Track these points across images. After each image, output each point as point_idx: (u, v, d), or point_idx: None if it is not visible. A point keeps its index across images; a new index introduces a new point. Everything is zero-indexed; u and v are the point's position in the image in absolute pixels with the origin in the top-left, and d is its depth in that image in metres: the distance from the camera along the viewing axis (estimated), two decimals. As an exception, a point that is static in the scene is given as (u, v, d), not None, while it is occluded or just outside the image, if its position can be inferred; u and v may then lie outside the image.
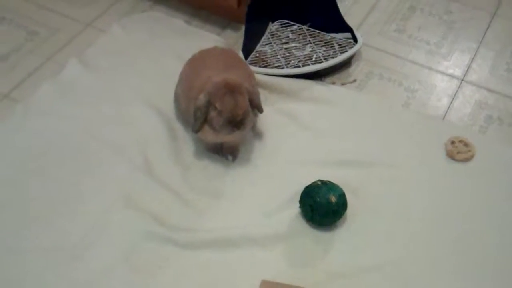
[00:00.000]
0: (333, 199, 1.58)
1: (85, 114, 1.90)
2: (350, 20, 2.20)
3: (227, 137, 1.70)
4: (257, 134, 1.88)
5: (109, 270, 1.54)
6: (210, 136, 1.70)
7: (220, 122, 1.63)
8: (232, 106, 1.61)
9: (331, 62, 2.06)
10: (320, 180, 1.63)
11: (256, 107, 1.72)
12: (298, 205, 1.66)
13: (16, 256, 1.56)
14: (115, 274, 1.53)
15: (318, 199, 1.58)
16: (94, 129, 1.86)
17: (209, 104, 1.63)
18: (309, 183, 1.65)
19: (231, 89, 1.62)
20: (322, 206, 1.57)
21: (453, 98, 2.06)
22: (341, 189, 1.61)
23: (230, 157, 1.80)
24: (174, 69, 1.97)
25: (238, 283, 1.53)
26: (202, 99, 1.64)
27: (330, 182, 1.62)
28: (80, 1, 2.33)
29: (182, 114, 1.86)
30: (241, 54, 2.05)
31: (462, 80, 2.13)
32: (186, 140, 1.86)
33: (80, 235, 1.60)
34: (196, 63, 1.81)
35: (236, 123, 1.63)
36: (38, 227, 1.62)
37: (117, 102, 1.94)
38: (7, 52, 2.13)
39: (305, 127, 1.90)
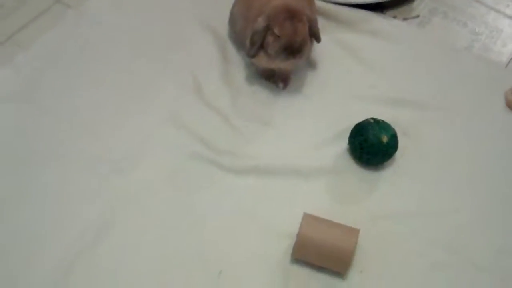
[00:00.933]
0: (385, 139, 1.53)
1: (136, 28, 1.87)
2: (418, -48, 2.09)
3: (282, 64, 1.64)
4: (311, 64, 1.82)
5: (151, 185, 1.54)
6: (264, 62, 1.65)
7: (277, 48, 1.57)
8: (291, 33, 1.55)
9: (395, -6, 1.96)
10: (372, 118, 1.58)
11: (314, 36, 1.66)
12: (346, 141, 1.62)
13: (60, 163, 1.57)
14: (157, 189, 1.53)
15: (369, 137, 1.53)
16: (144, 44, 1.83)
17: (267, 29, 1.57)
18: (359, 119, 1.60)
19: (291, 15, 1.55)
20: (373, 145, 1.53)
21: (519, 45, 1.96)
22: (393, 129, 1.56)
23: (281, 85, 1.75)
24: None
25: (277, 211, 1.51)
26: (260, 22, 1.58)
27: (382, 121, 1.57)
28: None
29: (237, 35, 1.80)
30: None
31: (531, 26, 2.02)
32: (237, 63, 1.82)
33: (125, 149, 1.60)
34: None
35: (293, 50, 1.57)
36: (84, 137, 1.61)
37: (169, 19, 1.90)
38: (61, -46, 2.07)
39: (361, 61, 1.84)
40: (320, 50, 1.83)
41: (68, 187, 1.53)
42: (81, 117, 1.66)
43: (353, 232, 1.38)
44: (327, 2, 1.94)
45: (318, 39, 1.67)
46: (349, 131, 1.60)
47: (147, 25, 1.88)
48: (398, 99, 1.74)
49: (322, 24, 1.83)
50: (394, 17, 1.98)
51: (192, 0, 1.95)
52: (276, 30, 1.55)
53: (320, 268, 1.40)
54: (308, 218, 1.39)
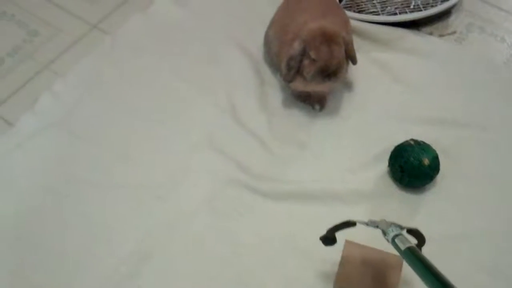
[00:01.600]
0: (426, 161, 1.50)
1: (173, 51, 1.88)
2: (452, -35, 2.05)
3: (318, 87, 1.63)
4: (347, 84, 1.80)
5: (191, 212, 1.54)
6: (300, 85, 1.64)
7: (313, 71, 1.56)
8: (327, 56, 1.54)
9: (430, 11, 1.93)
10: (412, 139, 1.55)
11: (350, 58, 1.64)
12: (386, 163, 1.60)
13: (102, 191, 1.58)
14: (197, 216, 1.53)
15: (410, 159, 1.51)
16: (181, 67, 1.83)
17: (303, 52, 1.56)
18: (398, 140, 1.58)
19: (327, 38, 1.54)
20: (414, 168, 1.50)
21: (559, 59, 1.92)
22: (434, 151, 1.53)
23: (317, 106, 1.74)
24: (265, 10, 1.91)
25: (317, 237, 1.48)
26: (296, 47, 1.57)
27: (423, 142, 1.55)
28: None
29: (272, 57, 1.80)
30: (335, -3, 1.95)
31: None
32: (272, 85, 1.81)
33: (163, 175, 1.60)
34: (292, 6, 1.73)
35: (329, 73, 1.56)
36: (124, 164, 1.63)
37: (206, 42, 1.90)
38: (98, -20, 2.10)
39: (398, 79, 1.81)
40: (356, 70, 1.81)
41: (107, 215, 1.54)
42: (119, 144, 1.67)
43: (398, 262, 1.35)
44: (362, 21, 1.91)
45: (354, 61, 1.65)
46: (389, 153, 1.58)
47: (184, 48, 1.89)
48: (438, 118, 1.71)
49: (357, 43, 1.82)
50: (430, 33, 1.96)
51: (228, 22, 1.95)
52: (312, 54, 1.55)
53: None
54: (350, 246, 1.37)
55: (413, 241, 1.29)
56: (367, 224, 1.31)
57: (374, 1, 1.99)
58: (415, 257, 1.18)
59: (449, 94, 1.78)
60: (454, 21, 2.00)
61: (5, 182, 1.60)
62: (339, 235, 1.36)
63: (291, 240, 1.49)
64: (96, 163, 1.63)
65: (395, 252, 1.33)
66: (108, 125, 1.70)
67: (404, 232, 1.28)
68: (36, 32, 1.95)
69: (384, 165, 1.60)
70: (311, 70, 1.56)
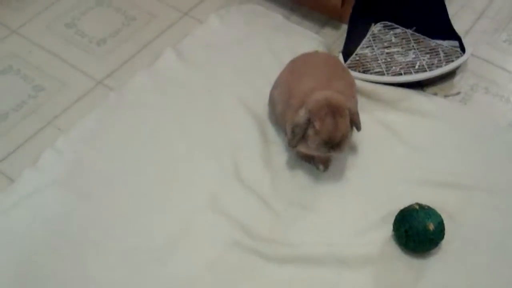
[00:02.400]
0: (431, 226, 1.48)
1: (178, 108, 1.88)
2: (456, 26, 2.06)
3: (321, 154, 1.63)
4: (352, 145, 1.79)
5: (193, 278, 1.51)
6: (304, 149, 1.64)
7: (317, 142, 1.56)
8: (332, 129, 1.54)
9: (435, 72, 1.94)
10: (417, 204, 1.53)
11: (355, 125, 1.64)
12: (391, 226, 1.58)
13: (101, 251, 1.56)
14: (199, 282, 1.50)
15: (414, 224, 1.49)
16: (185, 125, 1.83)
17: (308, 122, 1.56)
18: (404, 203, 1.57)
19: (332, 110, 1.54)
20: (419, 233, 1.48)
21: None
22: (439, 216, 1.51)
23: (321, 167, 1.73)
24: (270, 68, 1.93)
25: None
26: (302, 116, 1.56)
27: (428, 206, 1.53)
28: (179, -13, 2.30)
29: (277, 117, 1.79)
30: (340, 56, 1.96)
31: None
32: (277, 144, 1.80)
33: (165, 237, 1.58)
34: (298, 69, 1.74)
35: (333, 145, 1.56)
36: (124, 225, 1.61)
37: (210, 99, 1.90)
38: (104, 37, 2.12)
39: (403, 140, 1.80)
40: (361, 131, 1.79)
41: (106, 277, 1.51)
42: (120, 203, 1.65)
43: None
44: (367, 81, 1.92)
45: (358, 128, 1.65)
46: (394, 216, 1.56)
47: (188, 106, 1.89)
48: (444, 181, 1.70)
49: (362, 103, 1.83)
50: (435, 94, 1.96)
51: (233, 80, 1.95)
52: (316, 125, 1.54)
53: None
54: None
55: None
56: None
57: (379, 61, 2.00)
58: None
59: (455, 156, 1.77)
60: (459, 81, 2.00)
61: (5, 239, 1.58)
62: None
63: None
64: (97, 222, 1.61)
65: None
66: (110, 184, 1.69)
67: None
68: (41, 87, 1.95)
69: (389, 229, 1.58)
70: (315, 140, 1.56)
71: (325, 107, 1.54)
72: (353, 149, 1.78)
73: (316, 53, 1.82)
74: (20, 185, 1.69)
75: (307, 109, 1.56)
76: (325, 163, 1.72)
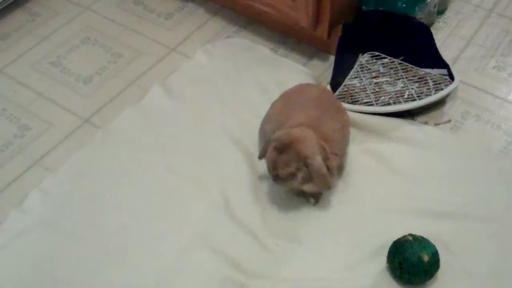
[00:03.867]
0: (426, 258, 1.45)
1: (165, 144, 1.85)
2: (444, 54, 2.06)
3: (303, 187, 1.61)
4: (342, 176, 1.76)
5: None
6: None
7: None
8: (270, 162, 1.57)
9: (424, 100, 1.92)
10: (411, 235, 1.51)
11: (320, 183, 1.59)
12: (384, 259, 1.54)
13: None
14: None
15: (408, 256, 1.46)
16: (173, 161, 1.81)
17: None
18: (396, 234, 1.54)
19: (281, 148, 1.54)
20: (413, 265, 1.45)
21: (558, 146, 1.89)
22: (434, 247, 1.48)
23: (312, 200, 1.70)
24: (257, 102, 1.93)
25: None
26: (274, 136, 1.59)
27: (422, 237, 1.50)
28: (165, 23, 2.30)
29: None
30: (328, 87, 1.95)
31: None
32: (266, 178, 1.77)
33: (156, 277, 1.55)
34: (290, 104, 1.72)
35: (274, 177, 1.58)
36: (114, 266, 1.57)
37: (198, 134, 1.88)
38: (90, 74, 2.11)
39: (394, 170, 1.78)
40: (352, 161, 1.78)
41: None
42: (109, 243, 1.62)
43: None
44: (356, 112, 1.90)
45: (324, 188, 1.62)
46: (387, 247, 1.54)
47: (176, 142, 1.87)
48: (437, 210, 1.67)
49: (352, 134, 1.81)
50: (425, 123, 1.94)
51: (221, 115, 1.94)
52: (268, 150, 1.57)
53: None
54: None
55: None
56: None
57: (368, 92, 1.99)
58: None
59: (447, 185, 1.74)
60: (449, 109, 1.99)
61: (-9, 283, 1.54)
62: None
63: None
64: (85, 264, 1.57)
65: None
66: (98, 224, 1.66)
67: None
68: (27, 126, 1.93)
69: (382, 261, 1.55)
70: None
71: (280, 141, 1.54)
72: (344, 179, 1.75)
73: (310, 86, 1.80)
74: (6, 227, 1.66)
75: (280, 133, 1.57)
76: (316, 196, 1.70)
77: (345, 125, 1.72)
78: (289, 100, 1.74)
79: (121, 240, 1.62)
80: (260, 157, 1.64)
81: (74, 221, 1.67)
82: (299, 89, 1.78)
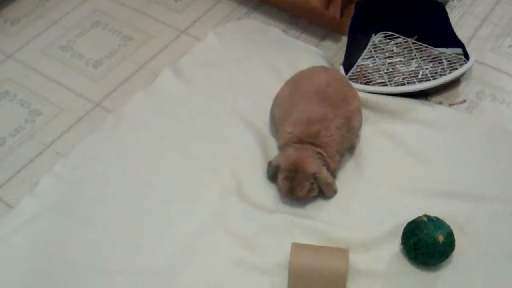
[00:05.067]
0: (441, 238, 1.43)
1: (177, 128, 1.84)
2: (458, 33, 2.02)
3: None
4: (356, 157, 1.74)
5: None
6: None
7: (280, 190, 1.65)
8: (285, 191, 1.62)
9: (439, 80, 1.89)
10: (425, 215, 1.48)
11: (325, 193, 1.66)
12: (399, 240, 1.53)
13: (103, 278, 1.51)
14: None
15: (423, 237, 1.44)
16: (185, 145, 1.79)
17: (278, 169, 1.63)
18: (411, 215, 1.52)
19: (293, 176, 1.59)
20: (428, 246, 1.43)
21: None
22: (449, 227, 1.46)
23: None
24: (269, 83, 1.91)
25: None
26: (275, 160, 1.65)
27: (437, 218, 1.48)
28: (175, 6, 2.28)
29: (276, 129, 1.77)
30: (341, 68, 1.92)
31: None
32: (279, 160, 1.75)
33: (168, 259, 1.53)
34: (297, 91, 1.70)
35: (295, 199, 1.64)
36: (125, 248, 1.56)
37: (210, 117, 1.87)
38: (100, 58, 2.09)
39: (409, 151, 1.75)
40: (365, 142, 1.76)
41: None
42: (122, 227, 1.61)
43: (344, 253, 1.42)
44: (369, 92, 1.87)
45: (327, 196, 1.67)
46: (401, 229, 1.52)
47: (188, 124, 1.85)
48: (452, 191, 1.64)
49: (365, 115, 1.79)
50: (440, 103, 1.91)
51: (233, 97, 1.92)
52: (279, 181, 1.62)
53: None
54: (297, 247, 1.43)
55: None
56: None
57: (381, 72, 1.96)
58: None
59: (462, 165, 1.72)
60: (464, 89, 1.96)
61: (5, 266, 1.54)
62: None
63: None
64: (97, 247, 1.57)
65: None
66: (110, 207, 1.65)
67: None
68: (38, 111, 1.92)
69: (397, 242, 1.53)
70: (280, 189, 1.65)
71: (287, 171, 1.59)
72: (357, 160, 1.74)
73: (322, 71, 1.75)
74: (19, 212, 1.66)
75: (278, 159, 1.63)
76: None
77: (353, 114, 1.69)
78: (296, 87, 1.72)
79: (134, 223, 1.61)
80: (269, 178, 1.70)
81: (86, 205, 1.66)
82: (309, 75, 1.75)
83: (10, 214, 1.65)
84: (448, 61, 1.97)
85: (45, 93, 1.98)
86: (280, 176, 1.61)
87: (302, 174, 1.58)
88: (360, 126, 1.75)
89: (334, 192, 1.65)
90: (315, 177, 1.59)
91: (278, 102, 1.75)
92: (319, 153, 1.60)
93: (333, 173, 1.65)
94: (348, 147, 1.74)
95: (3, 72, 2.06)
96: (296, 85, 1.72)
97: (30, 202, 1.68)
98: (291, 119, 1.65)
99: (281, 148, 1.66)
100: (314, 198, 1.65)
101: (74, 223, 1.62)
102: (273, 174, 1.66)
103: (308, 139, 1.61)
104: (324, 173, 1.60)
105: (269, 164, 1.67)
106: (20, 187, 1.73)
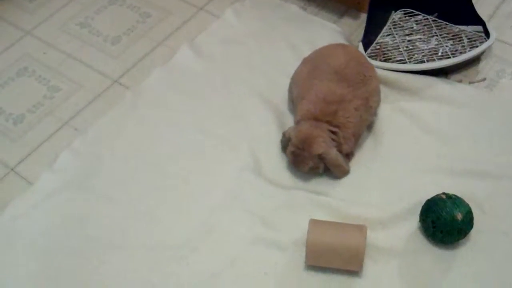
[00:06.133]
0: (459, 216, 1.42)
1: (195, 105, 1.84)
2: (479, 10, 1.99)
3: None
4: (374, 135, 1.73)
5: (215, 275, 1.47)
6: None
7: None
8: (293, 163, 1.64)
9: (459, 58, 1.87)
10: (444, 193, 1.48)
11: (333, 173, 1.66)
12: (417, 218, 1.52)
13: (121, 252, 1.53)
14: (221, 279, 1.47)
15: (442, 215, 1.43)
16: (203, 122, 1.79)
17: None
18: (429, 193, 1.51)
19: (299, 152, 1.60)
20: (446, 223, 1.42)
21: None
22: (467, 205, 1.45)
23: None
24: (287, 60, 1.91)
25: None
26: (287, 133, 1.64)
27: (455, 196, 1.47)
28: (194, -18, 2.27)
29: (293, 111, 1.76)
30: (360, 45, 1.91)
31: None
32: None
33: (186, 235, 1.54)
34: (315, 70, 1.69)
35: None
36: (145, 224, 1.58)
37: (228, 95, 1.86)
38: (119, 35, 2.09)
39: (428, 129, 1.74)
40: (384, 120, 1.75)
41: (127, 277, 1.48)
42: (140, 203, 1.62)
43: (362, 228, 1.42)
44: (389, 70, 1.86)
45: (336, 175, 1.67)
46: (419, 207, 1.51)
47: (206, 101, 1.85)
48: (471, 169, 1.63)
49: (384, 93, 1.78)
50: (460, 81, 1.89)
51: (251, 74, 1.91)
52: (287, 151, 1.64)
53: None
54: (315, 223, 1.43)
55: None
56: None
57: (401, 50, 1.94)
58: None
59: (482, 144, 1.70)
60: (484, 67, 1.93)
61: (25, 241, 1.56)
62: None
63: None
64: (116, 223, 1.58)
65: None
66: (128, 183, 1.66)
67: None
68: (57, 88, 1.93)
69: (415, 220, 1.53)
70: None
71: (295, 146, 1.60)
72: (376, 138, 1.73)
73: (339, 51, 1.73)
74: (38, 187, 1.67)
75: (291, 131, 1.63)
76: (347, 156, 1.67)
77: (371, 95, 1.68)
78: (315, 66, 1.70)
79: (152, 199, 1.62)
80: (282, 149, 1.70)
81: (105, 181, 1.67)
82: (327, 54, 1.73)
83: (30, 190, 1.67)
84: (469, 38, 1.95)
85: (63, 69, 1.99)
86: (288, 149, 1.62)
87: (308, 153, 1.58)
88: (377, 107, 1.73)
89: (343, 173, 1.64)
90: (321, 157, 1.58)
91: (296, 80, 1.74)
92: (334, 132, 1.60)
93: (347, 155, 1.65)
94: (366, 129, 1.73)
95: (21, 48, 2.06)
96: (315, 64, 1.71)
97: (49, 178, 1.69)
98: (309, 98, 1.64)
99: (297, 123, 1.65)
100: (331, 175, 1.65)
101: (92, 199, 1.63)
102: (285, 145, 1.66)
103: (324, 118, 1.61)
104: (333, 154, 1.59)
105: (283, 134, 1.67)
106: (39, 163, 1.74)
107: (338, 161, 1.61)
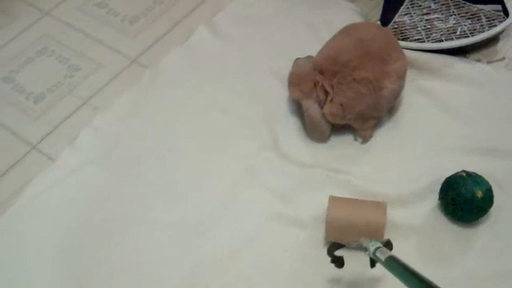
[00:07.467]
0: (479, 193, 1.42)
1: (213, 84, 1.85)
2: (498, -11, 1.99)
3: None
4: (393, 114, 1.74)
5: (234, 251, 1.49)
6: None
7: None
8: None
9: (478, 37, 1.86)
10: (464, 171, 1.48)
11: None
12: (436, 195, 1.52)
13: (140, 228, 1.55)
14: (240, 255, 1.48)
15: (461, 192, 1.43)
16: (222, 101, 1.80)
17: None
18: (449, 172, 1.51)
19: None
20: (466, 201, 1.43)
21: None
22: (488, 183, 1.46)
23: (359, 139, 1.68)
24: (305, 40, 1.91)
25: (364, 273, 1.43)
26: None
27: (475, 174, 1.47)
28: (210, -38, 2.26)
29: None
30: (378, 24, 1.90)
31: None
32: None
33: (205, 211, 1.56)
34: (341, 33, 1.69)
35: None
36: (165, 200, 1.59)
37: (246, 74, 1.87)
38: (137, 15, 2.10)
39: (447, 108, 1.74)
40: (402, 99, 1.75)
41: (148, 252, 1.50)
42: (161, 180, 1.63)
43: (382, 205, 1.44)
44: (407, 48, 1.85)
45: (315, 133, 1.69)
46: (439, 184, 1.51)
47: (224, 81, 1.86)
48: (490, 148, 1.63)
49: (403, 72, 1.76)
50: (478, 60, 1.88)
51: (269, 55, 1.92)
52: None
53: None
54: (334, 200, 1.45)
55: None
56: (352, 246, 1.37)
57: (419, 29, 1.94)
58: (396, 264, 1.19)
59: (501, 123, 1.70)
60: (502, 47, 1.93)
61: (47, 217, 1.58)
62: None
63: (336, 277, 1.43)
64: (136, 199, 1.60)
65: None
66: (148, 160, 1.68)
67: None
68: (76, 67, 1.95)
69: (434, 198, 1.53)
70: None
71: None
72: (395, 117, 1.73)
73: (373, 27, 1.71)
74: (60, 165, 1.69)
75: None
76: (364, 136, 1.68)
77: (388, 75, 1.61)
78: (342, 31, 1.70)
79: (171, 177, 1.64)
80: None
81: (125, 158, 1.69)
82: (360, 26, 1.73)
83: (51, 167, 1.69)
84: (487, 17, 1.94)
85: (82, 49, 2.00)
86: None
87: (290, 93, 1.68)
88: (395, 90, 1.65)
89: (317, 135, 1.68)
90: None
91: (324, 50, 1.71)
92: (324, 90, 1.61)
93: (331, 117, 1.64)
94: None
95: (41, 29, 2.08)
96: (342, 31, 1.70)
97: (71, 155, 1.71)
98: (323, 50, 1.66)
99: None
100: (350, 153, 1.66)
101: (113, 176, 1.65)
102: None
103: (327, 74, 1.61)
104: (306, 106, 1.63)
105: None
106: (60, 141, 1.76)
107: (313, 118, 1.63)
